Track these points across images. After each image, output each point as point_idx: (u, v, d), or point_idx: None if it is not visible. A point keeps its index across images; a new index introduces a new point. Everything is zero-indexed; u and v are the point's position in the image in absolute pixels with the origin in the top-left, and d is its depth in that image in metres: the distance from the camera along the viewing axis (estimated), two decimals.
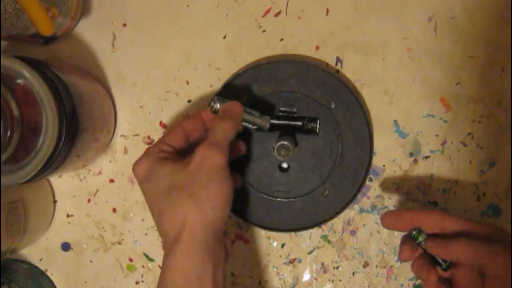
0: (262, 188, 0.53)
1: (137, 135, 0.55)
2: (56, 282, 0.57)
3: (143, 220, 0.56)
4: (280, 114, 0.52)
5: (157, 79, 0.55)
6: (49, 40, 0.54)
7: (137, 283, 0.56)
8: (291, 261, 0.55)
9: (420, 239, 0.44)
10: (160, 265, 0.55)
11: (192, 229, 0.40)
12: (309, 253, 0.55)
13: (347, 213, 0.54)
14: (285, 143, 0.49)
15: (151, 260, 0.56)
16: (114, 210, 0.56)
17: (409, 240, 0.45)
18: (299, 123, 0.51)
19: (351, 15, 0.53)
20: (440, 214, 0.45)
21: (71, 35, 0.55)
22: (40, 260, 0.57)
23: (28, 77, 0.42)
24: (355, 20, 0.53)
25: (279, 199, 0.53)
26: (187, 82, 0.55)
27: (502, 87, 0.52)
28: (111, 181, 0.56)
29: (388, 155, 0.53)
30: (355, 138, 0.51)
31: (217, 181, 0.41)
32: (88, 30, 0.55)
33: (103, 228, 0.56)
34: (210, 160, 0.41)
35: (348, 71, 0.53)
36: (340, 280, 0.54)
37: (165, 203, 0.41)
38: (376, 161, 0.53)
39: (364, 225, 0.54)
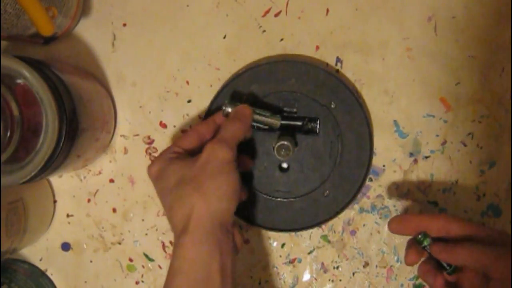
0: (262, 188, 0.53)
1: (137, 135, 0.55)
2: (56, 282, 0.57)
3: (143, 220, 0.56)
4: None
5: (157, 79, 0.55)
6: (49, 40, 0.54)
7: (137, 283, 0.56)
8: (291, 261, 0.55)
9: (426, 243, 0.45)
10: (160, 265, 0.56)
11: (199, 219, 0.41)
12: (309, 253, 0.55)
13: (347, 213, 0.54)
14: (285, 143, 0.49)
15: (151, 260, 0.56)
16: (114, 210, 0.56)
17: (414, 244, 0.46)
18: (299, 123, 0.51)
19: (351, 15, 0.53)
20: (446, 218, 0.45)
21: (71, 35, 0.55)
22: (40, 260, 0.57)
23: (28, 77, 0.42)
24: (355, 20, 0.53)
25: (279, 199, 0.53)
26: (187, 82, 0.55)
27: (502, 87, 0.52)
28: (111, 181, 0.56)
29: (388, 155, 0.53)
30: (355, 138, 0.51)
31: (223, 174, 0.43)
32: (88, 30, 0.55)
33: (103, 228, 0.56)
34: (217, 154, 0.43)
35: (348, 71, 0.53)
36: (340, 280, 0.54)
37: (174, 197, 0.43)
38: (376, 161, 0.53)
39: (364, 225, 0.54)
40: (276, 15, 0.53)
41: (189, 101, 0.55)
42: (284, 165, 0.53)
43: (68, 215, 0.56)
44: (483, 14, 0.52)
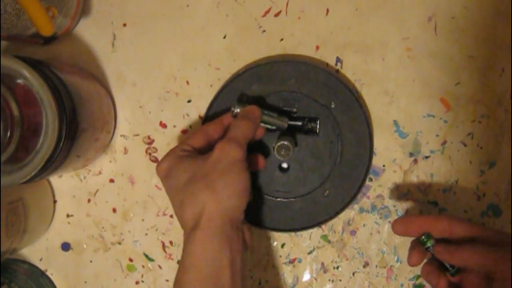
0: (262, 188, 0.53)
1: (137, 135, 0.55)
2: (56, 282, 0.57)
3: (143, 220, 0.56)
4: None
5: (157, 79, 0.55)
6: (49, 40, 0.54)
7: (137, 283, 0.56)
8: (291, 261, 0.55)
9: (429, 244, 0.45)
10: (160, 265, 0.56)
11: (210, 216, 0.42)
12: (309, 253, 0.55)
13: (347, 213, 0.54)
14: (285, 143, 0.49)
15: (151, 260, 0.56)
16: (114, 210, 0.56)
17: (418, 245, 0.46)
18: (299, 123, 0.51)
19: (351, 15, 0.53)
20: (449, 219, 0.46)
21: (71, 35, 0.55)
22: (40, 260, 0.57)
23: (28, 77, 0.42)
24: (355, 20, 0.53)
25: (279, 199, 0.53)
26: (187, 82, 0.55)
27: (502, 87, 0.52)
28: (111, 181, 0.56)
29: (388, 155, 0.53)
30: (355, 138, 0.51)
31: (234, 172, 0.43)
32: (88, 30, 0.55)
33: (103, 228, 0.56)
34: (228, 153, 0.43)
35: (348, 71, 0.53)
36: (340, 280, 0.54)
37: (185, 195, 0.43)
38: (376, 161, 0.53)
39: (364, 225, 0.54)
40: (276, 15, 0.53)
41: (189, 101, 0.55)
42: (284, 165, 0.53)
43: (68, 215, 0.56)
44: (483, 14, 0.52)
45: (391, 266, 0.54)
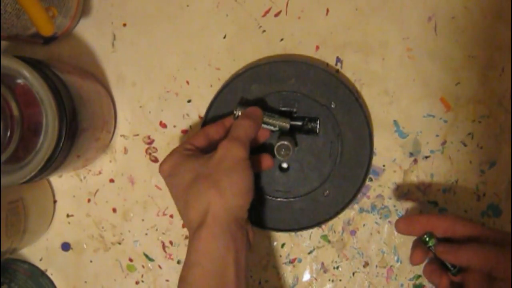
0: (262, 188, 0.52)
1: (137, 135, 0.55)
2: (56, 282, 0.57)
3: (143, 220, 0.56)
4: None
5: (157, 79, 0.55)
6: (49, 40, 0.54)
7: (137, 283, 0.56)
8: (291, 261, 0.55)
9: (431, 243, 0.46)
10: (160, 265, 0.56)
11: (215, 214, 0.42)
12: (309, 253, 0.55)
13: (347, 213, 0.54)
14: (285, 143, 0.49)
15: (151, 260, 0.56)
16: (114, 210, 0.56)
17: (420, 244, 0.46)
18: (299, 123, 0.51)
19: (351, 15, 0.53)
20: (452, 218, 0.46)
21: (71, 35, 0.55)
22: (40, 260, 0.57)
23: (28, 77, 0.42)
24: (355, 20, 0.53)
25: (279, 199, 0.53)
26: (187, 82, 0.55)
27: (502, 87, 0.52)
28: (111, 181, 0.56)
29: (388, 155, 0.53)
30: (355, 138, 0.51)
31: (238, 171, 0.44)
32: (88, 30, 0.55)
33: (103, 228, 0.56)
34: (232, 152, 0.44)
35: (348, 71, 0.53)
36: (340, 280, 0.54)
37: (190, 194, 0.44)
38: (376, 161, 0.53)
39: (364, 225, 0.54)
40: (276, 15, 0.53)
41: (189, 101, 0.55)
42: (284, 165, 0.53)
43: (68, 215, 0.56)
44: (483, 14, 0.52)
45: (391, 266, 0.54)
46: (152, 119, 0.55)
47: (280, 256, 0.55)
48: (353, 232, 0.54)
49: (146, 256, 0.56)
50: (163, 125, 0.55)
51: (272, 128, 0.50)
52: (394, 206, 0.54)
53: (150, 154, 0.55)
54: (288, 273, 0.55)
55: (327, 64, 0.53)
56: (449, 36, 0.52)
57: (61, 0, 0.49)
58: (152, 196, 0.55)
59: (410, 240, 0.53)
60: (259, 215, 0.53)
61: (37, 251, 0.57)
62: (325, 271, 0.54)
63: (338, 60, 0.53)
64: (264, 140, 0.51)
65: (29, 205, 0.51)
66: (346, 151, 0.52)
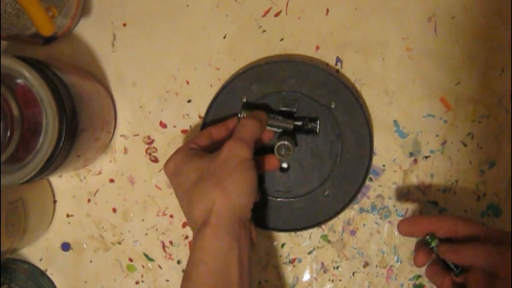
0: (263, 188, 0.52)
1: (137, 135, 0.55)
2: (56, 282, 0.57)
3: (143, 220, 0.56)
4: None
5: (157, 79, 0.55)
6: (49, 40, 0.54)
7: (137, 283, 0.56)
8: (291, 261, 0.55)
9: (433, 244, 0.46)
10: (160, 265, 0.56)
11: (219, 213, 0.43)
12: (309, 253, 0.55)
13: (347, 213, 0.54)
14: (285, 143, 0.49)
15: (151, 260, 0.56)
16: (114, 210, 0.56)
17: (423, 245, 0.47)
18: (299, 123, 0.51)
19: (351, 15, 0.53)
20: (453, 219, 0.47)
21: (71, 35, 0.55)
22: (40, 260, 0.57)
23: (28, 77, 0.42)
24: (355, 20, 0.53)
25: (279, 199, 0.53)
26: (187, 82, 0.55)
27: (502, 87, 0.52)
28: (111, 181, 0.56)
29: (388, 155, 0.53)
30: (355, 138, 0.51)
31: (243, 170, 0.44)
32: (88, 30, 0.55)
33: (103, 228, 0.56)
34: (237, 152, 0.44)
35: (348, 71, 0.53)
36: (340, 280, 0.54)
37: (194, 193, 0.44)
38: (376, 161, 0.53)
39: (364, 225, 0.54)
40: (276, 15, 0.53)
41: (189, 101, 0.55)
42: (284, 165, 0.53)
43: (68, 215, 0.56)
44: (483, 14, 0.52)
45: (391, 266, 0.54)
46: (152, 119, 0.55)
47: (280, 256, 0.55)
48: (353, 232, 0.54)
49: (146, 256, 0.56)
50: (163, 125, 0.55)
51: (276, 129, 0.50)
52: (394, 206, 0.54)
53: (150, 154, 0.55)
54: (288, 273, 0.55)
55: (327, 64, 0.53)
56: (449, 36, 0.52)
57: (61, 0, 0.49)
58: (152, 196, 0.55)
59: (410, 240, 0.53)
60: (259, 215, 0.53)
61: (37, 251, 0.57)
62: (325, 271, 0.54)
63: (338, 60, 0.53)
64: (268, 141, 0.51)
65: (29, 205, 0.51)
66: (346, 151, 0.52)
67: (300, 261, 0.55)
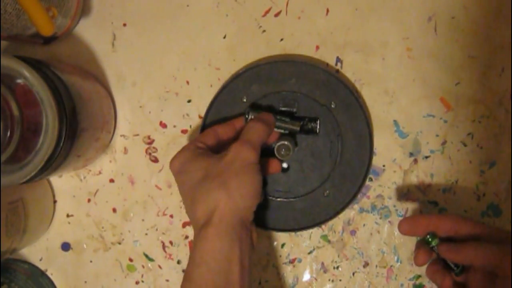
0: (263, 189, 0.52)
1: (137, 135, 0.55)
2: (56, 282, 0.57)
3: (143, 220, 0.56)
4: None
5: (157, 79, 0.55)
6: (49, 40, 0.54)
7: (137, 283, 0.56)
8: (291, 261, 0.55)
9: (434, 243, 0.46)
10: (160, 265, 0.56)
11: (222, 214, 0.43)
12: (309, 253, 0.55)
13: (347, 213, 0.54)
14: (285, 143, 0.49)
15: (151, 260, 0.56)
16: (114, 210, 0.56)
17: (423, 245, 0.47)
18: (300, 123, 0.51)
19: (351, 15, 0.53)
20: (454, 218, 0.47)
21: (71, 35, 0.55)
22: (40, 260, 0.57)
23: (28, 77, 0.42)
24: (355, 20, 0.53)
25: (279, 199, 0.53)
26: (187, 82, 0.55)
27: (502, 87, 0.52)
28: (111, 181, 0.56)
29: (388, 155, 0.53)
30: (355, 138, 0.51)
31: (247, 173, 0.44)
32: (88, 30, 0.55)
33: (103, 228, 0.56)
34: (243, 154, 0.44)
35: (348, 71, 0.53)
36: (340, 280, 0.54)
37: (198, 192, 0.44)
38: (376, 161, 0.53)
39: (364, 225, 0.54)
40: (276, 15, 0.53)
41: (189, 101, 0.55)
42: (284, 165, 0.53)
43: (68, 215, 0.56)
44: (483, 14, 0.52)
45: (391, 266, 0.54)
46: (152, 119, 0.55)
47: (280, 256, 0.55)
48: (353, 232, 0.54)
49: (146, 256, 0.56)
50: (163, 125, 0.55)
51: (282, 131, 0.50)
52: (394, 206, 0.54)
53: (150, 154, 0.55)
54: (288, 273, 0.55)
55: (327, 64, 0.53)
56: (449, 36, 0.52)
57: (61, 0, 0.49)
58: (152, 196, 0.55)
59: (410, 240, 0.53)
60: (259, 215, 0.53)
61: (37, 251, 0.57)
62: (325, 271, 0.54)
63: (338, 60, 0.53)
64: (273, 141, 0.51)
65: (29, 205, 0.51)
66: (346, 151, 0.52)
67: (300, 261, 0.55)
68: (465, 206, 0.53)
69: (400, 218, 0.53)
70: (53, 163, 0.44)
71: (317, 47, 0.53)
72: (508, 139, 0.52)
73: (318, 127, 0.51)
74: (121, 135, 0.56)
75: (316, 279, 0.55)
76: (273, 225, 0.53)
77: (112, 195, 0.56)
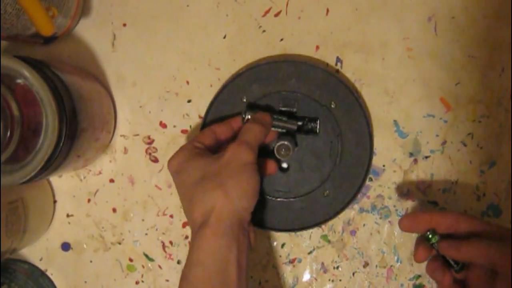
0: (262, 188, 0.52)
1: (137, 135, 0.55)
2: (56, 282, 0.57)
3: (143, 220, 0.56)
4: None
5: (157, 79, 0.55)
6: (49, 40, 0.54)
7: (137, 283, 0.56)
8: (291, 261, 0.55)
9: (434, 240, 0.46)
10: (160, 265, 0.56)
11: (219, 214, 0.43)
12: (309, 253, 0.55)
13: (347, 213, 0.54)
14: (285, 143, 0.49)
15: (151, 260, 0.56)
16: (114, 210, 0.56)
17: (423, 241, 0.47)
18: (299, 123, 0.51)
19: (351, 15, 0.53)
20: (455, 215, 0.46)
21: (71, 35, 0.55)
22: (40, 260, 0.57)
23: (28, 77, 0.42)
24: (355, 20, 0.53)
25: (279, 199, 0.53)
26: (187, 82, 0.55)
27: (502, 87, 0.52)
28: (111, 181, 0.56)
29: (388, 155, 0.53)
30: (355, 138, 0.51)
31: (245, 174, 0.44)
32: (88, 30, 0.55)
33: (103, 228, 0.56)
34: (240, 155, 0.44)
35: (348, 71, 0.53)
36: (340, 280, 0.54)
37: (196, 192, 0.44)
38: (376, 161, 0.53)
39: (364, 225, 0.54)
40: (276, 15, 0.53)
41: (189, 101, 0.55)
42: (284, 165, 0.53)
43: (68, 215, 0.56)
44: (483, 14, 0.52)
45: (391, 266, 0.54)
46: (152, 119, 0.55)
47: (280, 256, 0.55)
48: (353, 232, 0.54)
49: (146, 256, 0.56)
50: (163, 125, 0.55)
51: (279, 130, 0.50)
52: (394, 206, 0.54)
53: (150, 154, 0.55)
54: (288, 273, 0.55)
55: (327, 64, 0.53)
56: (449, 36, 0.52)
57: (61, 0, 0.49)
58: (152, 196, 0.55)
59: (410, 240, 0.53)
60: (259, 215, 0.53)
61: (37, 251, 0.57)
62: (325, 271, 0.54)
63: (338, 60, 0.53)
64: (270, 141, 0.51)
65: (29, 205, 0.51)
66: (346, 151, 0.52)
67: (300, 261, 0.55)
68: (465, 206, 0.53)
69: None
70: (53, 163, 0.44)
71: (317, 47, 0.53)
72: (508, 139, 0.52)
73: (318, 127, 0.51)
74: (121, 135, 0.56)
75: (316, 279, 0.55)
76: (273, 225, 0.53)
77: (112, 195, 0.56)
